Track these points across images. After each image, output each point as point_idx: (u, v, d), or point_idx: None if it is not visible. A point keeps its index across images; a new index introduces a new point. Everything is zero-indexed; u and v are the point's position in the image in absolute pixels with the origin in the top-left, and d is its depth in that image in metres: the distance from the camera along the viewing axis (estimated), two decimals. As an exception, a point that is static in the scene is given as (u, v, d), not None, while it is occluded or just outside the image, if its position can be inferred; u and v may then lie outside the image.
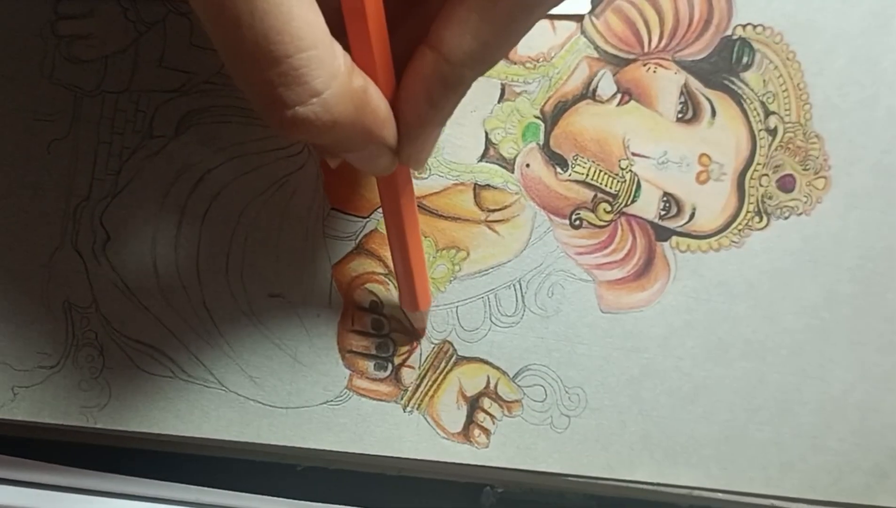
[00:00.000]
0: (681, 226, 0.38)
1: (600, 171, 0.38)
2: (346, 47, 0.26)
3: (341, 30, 0.26)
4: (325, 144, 0.27)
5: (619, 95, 0.38)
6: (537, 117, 0.38)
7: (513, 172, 0.38)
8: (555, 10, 0.27)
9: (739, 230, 0.38)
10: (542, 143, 0.38)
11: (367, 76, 0.26)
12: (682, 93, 0.38)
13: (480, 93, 0.38)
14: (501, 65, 0.38)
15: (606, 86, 0.38)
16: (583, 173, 0.38)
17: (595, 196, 0.38)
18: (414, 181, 0.36)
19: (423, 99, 0.27)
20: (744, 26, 0.38)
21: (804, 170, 0.38)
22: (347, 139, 0.26)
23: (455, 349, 0.38)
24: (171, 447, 0.39)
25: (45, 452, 0.38)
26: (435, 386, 0.38)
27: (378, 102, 0.26)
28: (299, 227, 0.38)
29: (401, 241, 0.33)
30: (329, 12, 0.25)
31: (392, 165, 0.29)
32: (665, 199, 0.38)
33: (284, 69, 0.23)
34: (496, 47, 0.26)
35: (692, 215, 0.38)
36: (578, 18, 0.38)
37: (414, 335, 0.38)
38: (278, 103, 0.24)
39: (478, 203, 0.38)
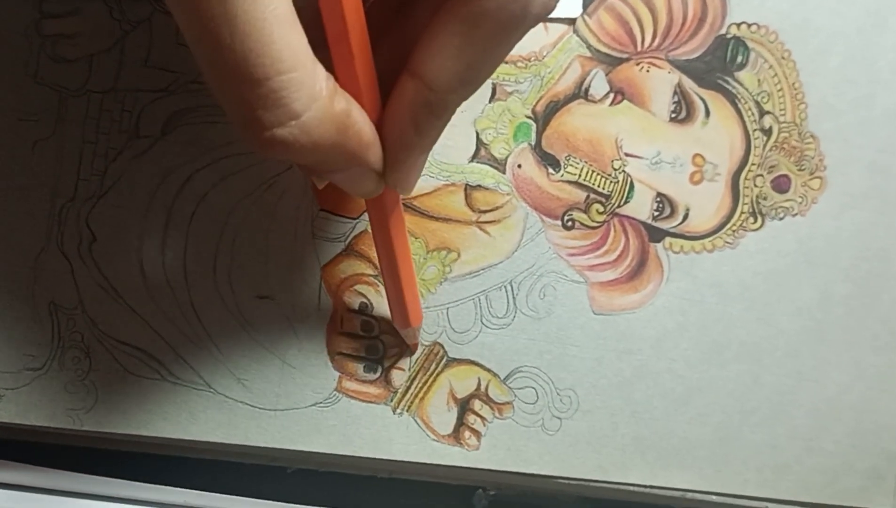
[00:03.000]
0: (674, 227, 0.38)
1: (593, 171, 0.38)
2: (330, 65, 0.26)
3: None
4: (307, 164, 0.27)
5: (611, 95, 0.38)
6: (529, 117, 0.38)
7: (504, 173, 0.38)
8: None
9: (734, 231, 0.38)
10: (533, 143, 0.38)
11: (350, 98, 0.26)
12: (675, 92, 0.38)
13: (471, 92, 0.37)
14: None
15: (599, 85, 0.38)
16: (575, 174, 0.38)
17: (587, 197, 0.38)
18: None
19: (408, 126, 0.27)
20: (738, 25, 0.38)
21: (799, 170, 0.38)
22: (329, 161, 0.26)
23: (445, 351, 0.38)
24: (158, 449, 0.39)
25: (31, 454, 0.38)
26: (425, 388, 0.38)
27: (362, 124, 0.26)
28: (288, 228, 0.37)
29: (391, 262, 0.33)
30: (314, 28, 0.24)
31: (378, 188, 0.29)
32: (658, 199, 0.38)
33: (263, 91, 0.23)
34: (479, 71, 0.26)
35: (686, 216, 0.38)
36: (570, 22, 0.37)
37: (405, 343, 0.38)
38: (257, 124, 0.24)
39: (469, 204, 0.38)
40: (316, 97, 0.24)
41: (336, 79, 0.26)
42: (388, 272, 0.34)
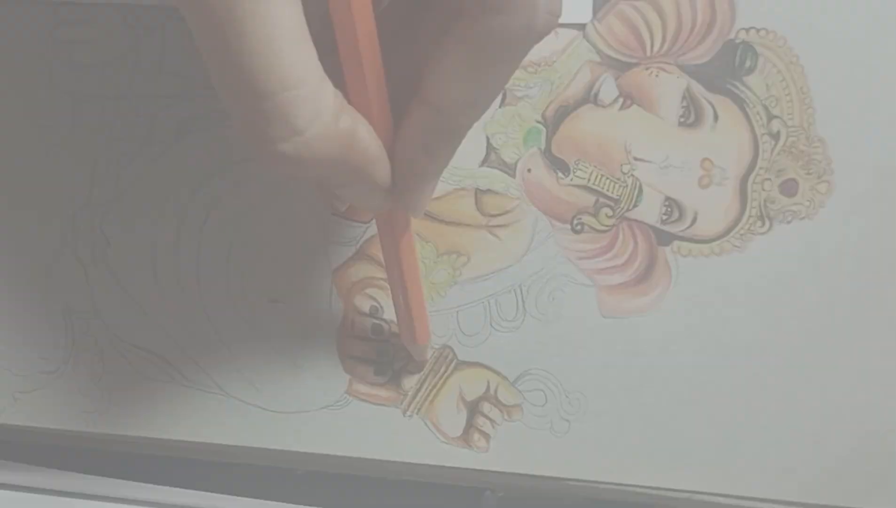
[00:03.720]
0: (682, 231, 0.38)
1: (602, 175, 0.38)
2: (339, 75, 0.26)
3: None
4: (312, 179, 0.27)
5: (620, 100, 0.38)
6: (539, 122, 0.38)
7: (514, 177, 0.38)
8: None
9: (741, 235, 0.38)
10: (543, 148, 0.38)
11: (357, 115, 0.26)
12: (684, 97, 0.38)
13: (481, 98, 0.38)
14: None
15: (608, 90, 0.38)
16: (584, 178, 0.38)
17: (596, 201, 0.38)
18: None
19: (420, 153, 0.27)
20: (747, 30, 0.38)
21: (807, 174, 0.38)
22: (334, 176, 0.27)
23: (455, 354, 0.38)
24: (170, 451, 0.39)
25: (45, 457, 0.38)
26: (435, 391, 0.38)
27: (368, 142, 0.26)
28: (299, 232, 0.38)
29: (400, 280, 0.33)
30: (325, 35, 0.25)
31: (385, 204, 0.29)
32: (667, 203, 0.38)
33: (269, 106, 0.23)
34: (488, 92, 0.27)
35: (694, 220, 0.38)
36: (580, 27, 0.37)
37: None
38: (261, 137, 0.24)
39: (479, 208, 0.38)
40: (320, 114, 0.24)
41: (346, 94, 0.26)
42: (397, 290, 0.34)
